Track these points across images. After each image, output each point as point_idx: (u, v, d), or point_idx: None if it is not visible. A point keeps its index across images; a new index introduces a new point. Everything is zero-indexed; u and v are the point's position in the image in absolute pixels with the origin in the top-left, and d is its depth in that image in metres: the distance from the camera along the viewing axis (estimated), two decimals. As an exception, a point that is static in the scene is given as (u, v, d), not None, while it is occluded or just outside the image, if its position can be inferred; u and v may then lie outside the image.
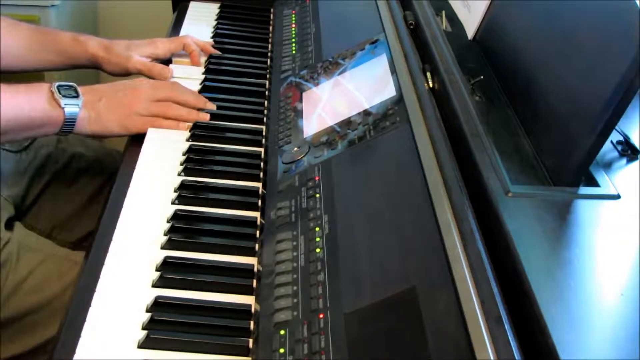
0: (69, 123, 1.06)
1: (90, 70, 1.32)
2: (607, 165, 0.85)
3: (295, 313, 0.76)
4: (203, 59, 1.35)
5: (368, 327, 0.70)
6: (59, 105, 1.04)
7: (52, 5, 1.76)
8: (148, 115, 1.11)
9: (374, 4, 1.26)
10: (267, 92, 1.27)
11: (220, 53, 1.37)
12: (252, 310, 0.81)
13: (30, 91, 1.05)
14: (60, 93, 1.05)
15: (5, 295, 1.06)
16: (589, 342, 0.62)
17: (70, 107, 1.05)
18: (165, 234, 0.91)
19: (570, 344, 0.60)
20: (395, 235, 0.78)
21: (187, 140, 1.11)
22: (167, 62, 1.33)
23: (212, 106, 1.17)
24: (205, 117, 1.15)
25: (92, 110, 1.08)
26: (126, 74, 1.28)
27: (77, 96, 1.07)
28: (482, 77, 0.97)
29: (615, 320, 0.66)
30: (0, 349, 1.06)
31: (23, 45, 1.23)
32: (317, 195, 0.89)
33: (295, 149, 1.02)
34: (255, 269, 0.87)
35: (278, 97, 1.20)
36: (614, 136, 0.89)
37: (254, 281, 0.85)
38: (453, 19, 1.18)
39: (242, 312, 0.81)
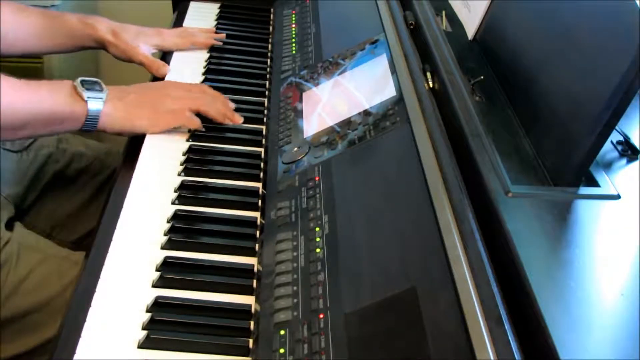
0: (93, 118, 1.02)
1: (88, 55, 1.31)
2: (607, 165, 0.85)
3: (295, 313, 0.76)
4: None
5: (368, 327, 0.70)
6: (82, 99, 1.01)
7: (52, 6, 1.76)
8: (179, 108, 1.10)
9: (374, 4, 1.26)
10: (267, 92, 1.27)
11: (224, 37, 1.40)
12: (252, 310, 0.81)
13: (52, 85, 1.02)
14: (83, 86, 1.02)
15: (5, 294, 1.05)
16: (589, 342, 0.62)
17: (94, 100, 1.02)
18: (165, 234, 0.91)
19: (570, 344, 0.60)
20: (395, 235, 0.78)
21: (187, 140, 1.11)
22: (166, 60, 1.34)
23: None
24: (239, 120, 1.15)
25: (119, 104, 1.05)
26: (129, 62, 1.28)
27: (101, 90, 1.04)
28: (482, 77, 0.97)
29: (615, 320, 0.66)
30: (0, 349, 1.06)
31: (32, 28, 1.22)
32: (317, 195, 0.89)
33: (295, 149, 1.02)
34: (255, 269, 0.87)
35: (278, 97, 1.20)
36: (614, 136, 0.89)
37: (254, 281, 0.85)
38: (453, 19, 1.17)
39: (242, 312, 0.82)
